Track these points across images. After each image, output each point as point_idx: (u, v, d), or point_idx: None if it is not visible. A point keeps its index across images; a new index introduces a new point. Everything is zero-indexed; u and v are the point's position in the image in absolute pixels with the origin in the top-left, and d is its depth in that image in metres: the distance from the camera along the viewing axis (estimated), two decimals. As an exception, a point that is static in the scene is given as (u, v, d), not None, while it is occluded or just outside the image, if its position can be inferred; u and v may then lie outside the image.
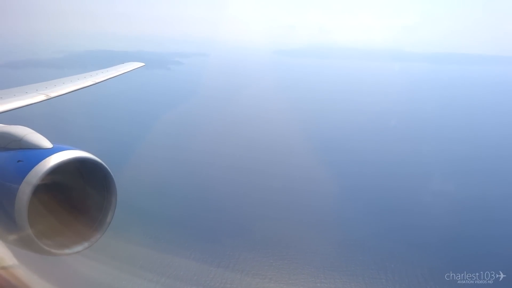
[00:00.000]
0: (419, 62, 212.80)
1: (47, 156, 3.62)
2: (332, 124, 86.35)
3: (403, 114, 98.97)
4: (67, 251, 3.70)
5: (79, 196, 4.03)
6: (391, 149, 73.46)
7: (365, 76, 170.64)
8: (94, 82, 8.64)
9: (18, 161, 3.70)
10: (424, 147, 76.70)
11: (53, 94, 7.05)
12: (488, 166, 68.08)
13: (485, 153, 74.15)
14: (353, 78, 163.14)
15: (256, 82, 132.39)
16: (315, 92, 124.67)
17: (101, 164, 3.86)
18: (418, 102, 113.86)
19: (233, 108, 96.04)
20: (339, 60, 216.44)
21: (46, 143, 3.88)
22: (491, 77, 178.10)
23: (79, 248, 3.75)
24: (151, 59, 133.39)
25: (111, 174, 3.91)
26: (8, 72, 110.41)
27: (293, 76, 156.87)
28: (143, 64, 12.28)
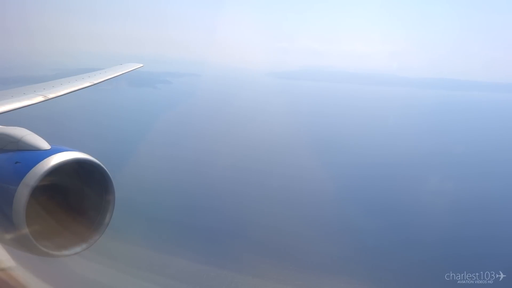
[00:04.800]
0: (408, 87, 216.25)
1: (45, 158, 3.61)
2: (325, 144, 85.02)
3: (395, 133, 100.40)
4: (65, 252, 3.70)
5: (77, 197, 4.02)
6: (387, 155, 74.25)
7: (356, 98, 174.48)
8: (92, 83, 8.60)
9: (16, 162, 3.68)
10: (422, 153, 77.64)
11: (51, 95, 7.01)
12: (487, 169, 68.89)
13: (483, 158, 76.54)
14: (345, 100, 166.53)
15: (244, 101, 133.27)
16: (308, 113, 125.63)
17: (99, 165, 3.86)
18: (410, 125, 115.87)
19: (214, 126, 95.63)
20: (331, 83, 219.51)
21: (44, 145, 3.87)
22: (479, 102, 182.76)
23: (77, 249, 3.75)
24: (140, 77, 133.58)
25: (109, 175, 3.91)
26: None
27: (285, 97, 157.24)
28: (142, 65, 12.19)
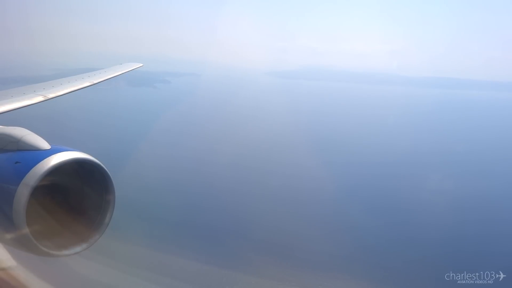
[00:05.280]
0: (408, 86, 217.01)
1: (45, 158, 3.61)
2: (325, 143, 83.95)
3: (394, 132, 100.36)
4: (65, 252, 3.70)
5: (77, 197, 4.03)
6: (387, 154, 73.99)
7: (356, 97, 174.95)
8: (92, 83, 8.59)
9: (16, 162, 3.68)
10: (422, 151, 77.60)
11: (51, 95, 7.00)
12: (487, 168, 68.89)
13: (480, 159, 76.23)
14: (345, 99, 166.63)
15: (244, 100, 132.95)
16: (308, 112, 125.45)
17: (99, 165, 3.86)
18: (409, 124, 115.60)
19: (214, 125, 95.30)
20: (331, 82, 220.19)
21: (44, 144, 3.87)
22: (479, 101, 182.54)
23: (77, 249, 3.75)
24: (139, 77, 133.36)
25: (109, 175, 3.91)
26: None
27: (285, 96, 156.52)
28: (141, 64, 12.17)
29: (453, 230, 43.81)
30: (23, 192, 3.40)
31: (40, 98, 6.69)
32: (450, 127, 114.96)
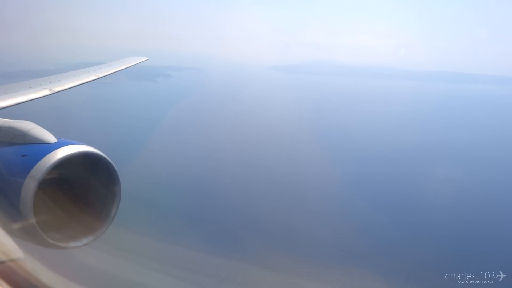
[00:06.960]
0: (413, 80, 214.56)
1: (52, 151, 3.66)
2: (328, 139, 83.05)
3: (399, 128, 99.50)
4: (72, 244, 3.76)
5: (83, 189, 4.08)
6: (391, 150, 73.81)
7: (359, 92, 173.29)
8: (97, 77, 8.63)
9: (23, 155, 3.73)
10: (427, 147, 77.13)
11: (57, 88, 7.05)
12: (492, 164, 68.31)
13: (484, 156, 75.27)
14: (349, 94, 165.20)
15: (247, 94, 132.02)
16: (310, 106, 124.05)
17: (104, 158, 3.90)
18: (415, 119, 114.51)
19: (215, 119, 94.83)
20: (334, 77, 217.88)
21: (50, 138, 3.92)
22: (485, 96, 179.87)
23: (84, 241, 3.81)
24: (140, 71, 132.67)
25: (115, 168, 3.96)
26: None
27: (288, 90, 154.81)
28: (146, 58, 12.19)
29: (454, 229, 43.54)
30: (30, 185, 3.46)
31: (46, 92, 6.74)
32: (456, 122, 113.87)
